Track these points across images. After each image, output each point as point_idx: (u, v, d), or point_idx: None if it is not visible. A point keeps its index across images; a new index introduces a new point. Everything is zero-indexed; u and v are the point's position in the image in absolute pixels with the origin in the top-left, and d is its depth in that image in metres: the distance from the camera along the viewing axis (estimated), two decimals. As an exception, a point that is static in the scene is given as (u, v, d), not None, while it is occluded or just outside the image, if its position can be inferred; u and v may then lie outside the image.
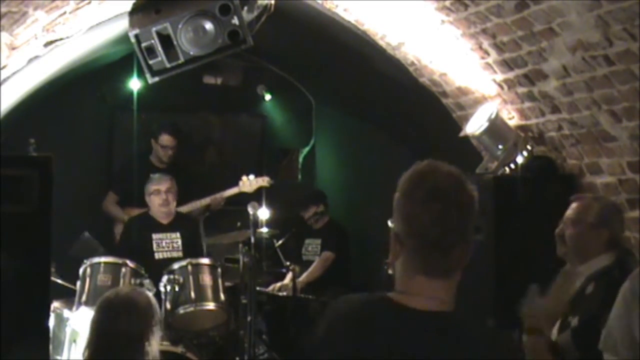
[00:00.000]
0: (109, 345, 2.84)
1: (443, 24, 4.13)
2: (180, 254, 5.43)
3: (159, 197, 5.45)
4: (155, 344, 2.92)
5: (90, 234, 5.68)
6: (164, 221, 5.52)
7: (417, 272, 1.68)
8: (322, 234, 6.48)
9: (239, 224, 5.57)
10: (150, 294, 3.12)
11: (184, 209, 5.82)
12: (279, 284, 6.20)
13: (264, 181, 5.94)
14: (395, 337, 1.65)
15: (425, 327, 1.65)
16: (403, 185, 1.72)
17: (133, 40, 3.79)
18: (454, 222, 1.66)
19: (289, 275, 6.07)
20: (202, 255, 5.39)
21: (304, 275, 6.22)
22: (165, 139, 6.20)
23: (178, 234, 5.50)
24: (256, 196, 5.83)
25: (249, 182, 5.87)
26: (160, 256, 5.42)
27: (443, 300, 1.69)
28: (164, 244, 5.47)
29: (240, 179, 5.92)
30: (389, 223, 1.76)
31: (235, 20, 3.74)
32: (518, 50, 3.88)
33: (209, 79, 7.25)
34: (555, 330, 3.02)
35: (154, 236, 5.46)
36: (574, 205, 3.13)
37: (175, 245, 5.48)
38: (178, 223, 5.56)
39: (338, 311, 1.77)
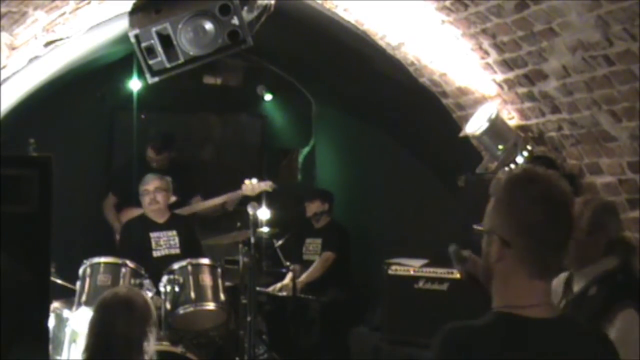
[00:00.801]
0: (107, 346, 2.84)
1: (443, 24, 4.13)
2: (177, 251, 5.47)
3: (148, 197, 5.51)
4: (152, 345, 2.92)
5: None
6: (160, 220, 5.57)
7: (532, 276, 1.74)
8: (322, 234, 6.48)
9: (239, 224, 5.57)
10: (147, 295, 3.12)
11: (182, 211, 5.83)
12: (279, 285, 6.20)
13: (266, 186, 5.94)
14: (547, 352, 1.71)
15: (561, 335, 1.73)
16: (505, 188, 1.79)
17: (133, 40, 3.79)
18: (563, 219, 1.76)
19: (289, 275, 6.08)
20: (200, 253, 5.42)
21: (304, 275, 6.22)
22: (149, 152, 6.26)
23: (175, 232, 5.55)
24: (256, 196, 5.83)
25: (252, 186, 5.88)
26: (159, 254, 5.46)
27: (554, 304, 1.80)
28: (161, 242, 5.51)
29: (243, 182, 5.92)
30: (477, 227, 1.83)
31: (235, 20, 3.74)
32: (518, 50, 3.88)
33: (209, 79, 7.26)
34: None
35: (152, 235, 5.50)
36: None
37: (172, 242, 5.52)
38: (173, 222, 5.61)
39: (464, 346, 1.72)
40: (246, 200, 5.46)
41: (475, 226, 1.83)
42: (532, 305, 1.73)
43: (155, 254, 5.46)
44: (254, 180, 5.91)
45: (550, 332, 1.72)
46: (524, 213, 1.74)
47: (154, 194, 5.50)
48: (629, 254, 3.07)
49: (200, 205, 5.92)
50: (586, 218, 3.04)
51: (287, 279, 6.14)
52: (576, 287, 3.09)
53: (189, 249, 5.45)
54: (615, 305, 2.85)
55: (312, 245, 6.51)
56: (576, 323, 1.83)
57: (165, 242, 5.52)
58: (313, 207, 6.53)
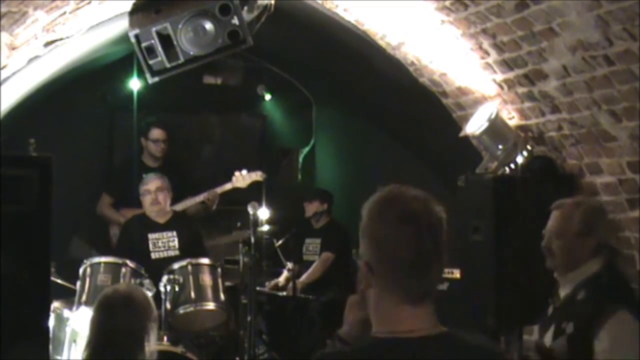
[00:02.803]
0: (108, 343, 2.84)
1: (443, 24, 4.13)
2: (177, 252, 5.43)
3: (149, 197, 5.47)
4: (153, 342, 2.92)
5: (81, 237, 5.72)
6: (161, 220, 5.53)
7: (400, 302, 1.67)
8: (322, 234, 6.48)
9: (239, 224, 5.57)
10: (147, 292, 3.12)
11: (178, 207, 5.79)
12: (273, 282, 6.23)
13: (257, 175, 5.91)
14: None
15: (440, 351, 1.67)
16: (371, 211, 1.72)
17: (133, 40, 3.79)
18: (427, 242, 1.66)
19: (285, 274, 6.11)
20: (202, 254, 5.38)
21: (304, 276, 6.22)
22: (156, 132, 6.19)
23: (174, 233, 5.50)
24: (256, 196, 5.82)
25: (242, 177, 5.85)
26: (157, 256, 5.42)
27: (433, 327, 1.71)
28: (160, 244, 5.47)
29: (233, 174, 5.91)
30: (355, 255, 1.81)
31: (235, 20, 3.74)
32: (518, 50, 3.88)
33: (209, 79, 7.25)
34: (549, 335, 3.04)
35: (150, 236, 5.46)
36: (556, 214, 3.11)
37: (171, 244, 5.48)
38: (174, 222, 5.56)
39: None
40: (246, 199, 5.44)
41: (354, 254, 1.83)
42: (408, 330, 1.67)
43: (154, 255, 5.43)
44: (244, 172, 5.88)
45: (428, 349, 1.67)
46: (384, 234, 1.67)
47: (155, 194, 5.47)
48: (614, 255, 3.08)
49: (180, 205, 5.84)
50: (578, 220, 3.04)
51: (282, 277, 6.18)
52: (562, 293, 3.10)
53: (189, 250, 5.40)
54: (606, 308, 2.86)
55: (312, 245, 6.51)
56: (457, 338, 1.72)
57: (163, 244, 5.48)
58: (312, 208, 6.53)
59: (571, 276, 3.04)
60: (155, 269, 5.08)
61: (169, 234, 5.50)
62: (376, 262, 1.68)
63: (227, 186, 5.89)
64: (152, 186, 5.49)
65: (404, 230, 1.66)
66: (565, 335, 2.95)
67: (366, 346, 1.70)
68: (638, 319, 2.85)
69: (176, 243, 5.48)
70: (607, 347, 2.81)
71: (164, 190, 5.50)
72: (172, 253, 5.44)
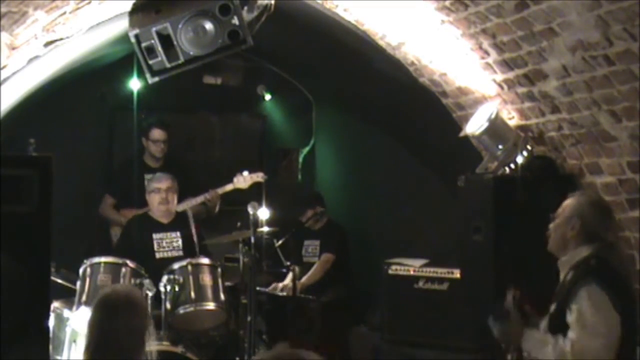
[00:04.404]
0: (108, 344, 2.84)
1: (443, 24, 4.13)
2: (180, 253, 5.43)
3: (159, 195, 5.45)
4: (152, 342, 2.92)
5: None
6: (164, 220, 5.52)
7: None
8: (321, 235, 6.46)
9: (239, 224, 5.56)
10: (147, 292, 3.12)
11: (179, 207, 5.77)
12: (280, 285, 6.20)
13: (258, 177, 5.89)
14: None
15: None
16: None
17: (133, 40, 3.79)
18: None
19: (290, 276, 6.08)
20: (202, 253, 5.37)
21: (304, 278, 6.20)
22: (157, 133, 6.18)
23: (178, 234, 5.50)
24: (256, 196, 5.81)
25: (243, 178, 5.84)
26: (161, 255, 5.42)
27: None
28: (164, 244, 5.46)
29: (234, 175, 5.90)
30: None
31: (235, 20, 3.74)
32: (518, 50, 3.88)
33: (209, 79, 7.25)
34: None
35: (155, 236, 5.46)
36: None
37: (175, 244, 5.48)
38: (178, 223, 5.55)
39: None
40: (246, 199, 5.43)
41: None
42: None
43: (158, 255, 5.43)
44: (245, 173, 5.87)
45: None
46: None
47: (166, 193, 5.45)
48: (605, 246, 3.24)
49: (182, 205, 5.81)
50: (571, 204, 3.29)
51: (288, 280, 6.14)
52: (562, 278, 3.29)
53: (192, 251, 5.39)
54: (578, 284, 3.08)
55: (311, 247, 6.50)
56: None
57: (168, 244, 5.48)
58: (307, 215, 6.50)
59: (564, 260, 3.26)
60: (160, 268, 5.08)
61: (173, 234, 5.50)
62: None
63: (228, 187, 5.89)
64: (164, 185, 5.47)
65: None
66: (548, 316, 3.19)
67: None
68: (607, 292, 3.02)
69: (180, 243, 5.49)
70: (575, 318, 3.01)
71: (173, 190, 5.50)
72: (176, 253, 5.44)
